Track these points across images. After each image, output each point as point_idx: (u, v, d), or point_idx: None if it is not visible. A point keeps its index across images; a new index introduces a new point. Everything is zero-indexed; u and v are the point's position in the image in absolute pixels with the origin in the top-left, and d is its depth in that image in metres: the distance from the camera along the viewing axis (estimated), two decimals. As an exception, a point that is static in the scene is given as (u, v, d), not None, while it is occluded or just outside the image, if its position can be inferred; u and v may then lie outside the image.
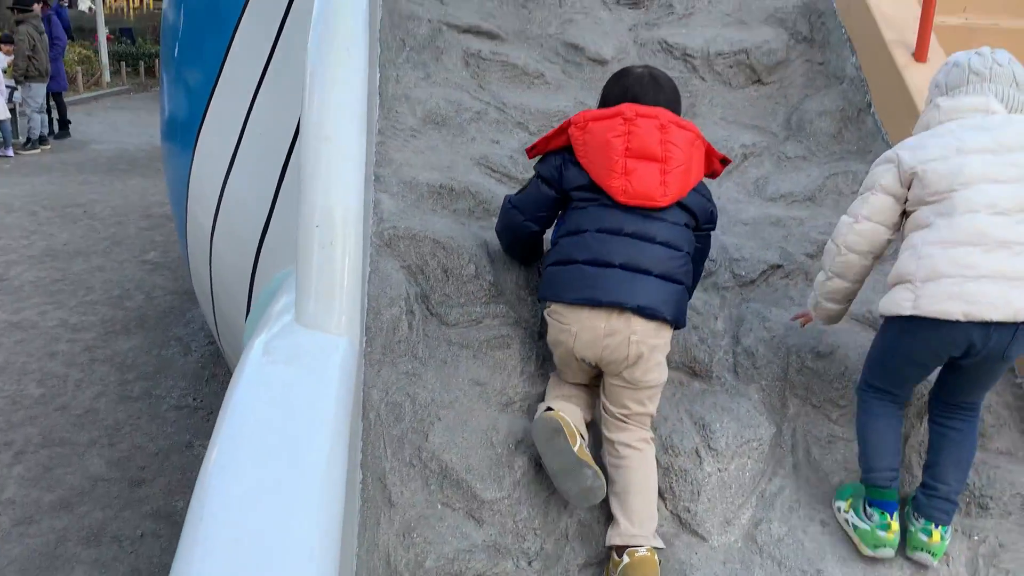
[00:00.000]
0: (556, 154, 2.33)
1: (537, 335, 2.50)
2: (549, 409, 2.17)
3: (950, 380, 2.22)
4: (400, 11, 3.42)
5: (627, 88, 2.36)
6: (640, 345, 2.14)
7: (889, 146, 3.37)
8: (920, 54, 3.37)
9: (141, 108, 16.41)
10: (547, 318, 2.26)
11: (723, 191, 3.23)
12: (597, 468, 2.07)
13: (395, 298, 2.34)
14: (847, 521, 2.25)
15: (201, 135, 3.43)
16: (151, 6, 27.89)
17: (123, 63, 20.41)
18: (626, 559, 2.04)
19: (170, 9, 4.30)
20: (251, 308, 3.15)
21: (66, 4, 20.54)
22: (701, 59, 3.67)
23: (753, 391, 2.53)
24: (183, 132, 3.79)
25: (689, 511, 2.26)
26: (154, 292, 6.47)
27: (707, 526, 2.25)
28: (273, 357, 1.71)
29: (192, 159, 3.59)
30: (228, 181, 3.23)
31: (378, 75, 3.10)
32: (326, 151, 1.86)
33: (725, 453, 2.32)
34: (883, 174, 2.21)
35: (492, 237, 2.63)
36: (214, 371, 5.22)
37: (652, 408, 2.24)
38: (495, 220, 2.67)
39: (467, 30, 3.55)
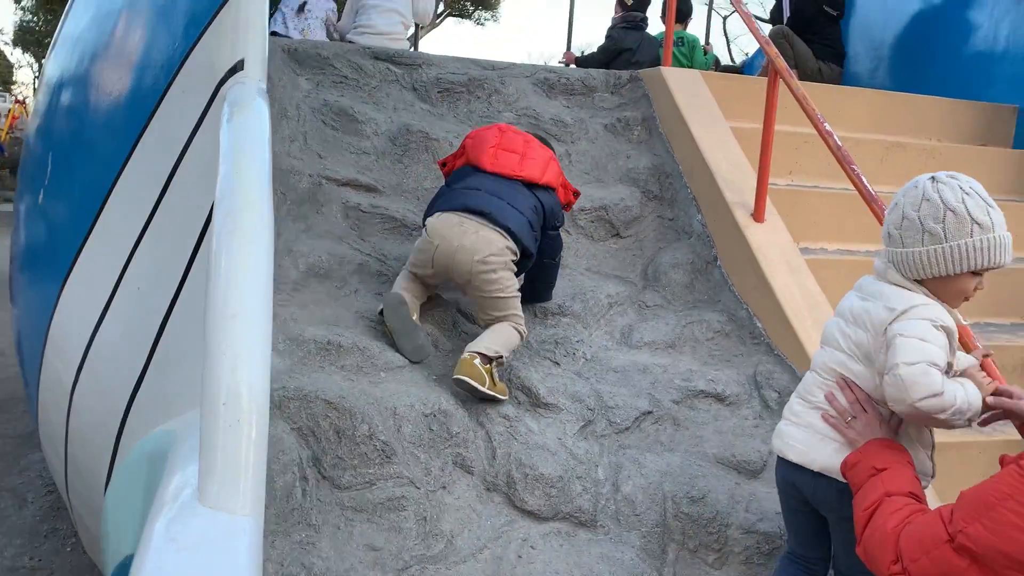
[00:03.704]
0: None
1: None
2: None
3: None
4: (280, 165, 3.51)
5: None
6: (484, 261, 2.90)
7: (736, 296, 3.75)
8: (758, 215, 3.79)
9: (-36, 226, 15.32)
10: (422, 235, 3.05)
11: (595, 339, 3.44)
12: (425, 334, 2.97)
13: (288, 464, 2.33)
14: None
15: (69, 282, 3.30)
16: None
17: (-56, 176, 19.17)
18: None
19: (36, 139, 4.11)
20: (118, 466, 3.00)
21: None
22: (566, 215, 3.96)
23: (635, 538, 2.66)
24: (46, 272, 3.61)
25: (583, 666, 2.32)
26: (-18, 436, 5.93)
27: None
28: (179, 544, 1.67)
29: (55, 306, 3.44)
30: (97, 334, 3.12)
31: (261, 229, 3.13)
32: (232, 329, 1.88)
33: (614, 605, 2.42)
34: None
35: (382, 394, 2.68)
36: (55, 525, 4.81)
37: (511, 310, 2.99)
38: (384, 375, 2.75)
39: (346, 183, 3.68)
